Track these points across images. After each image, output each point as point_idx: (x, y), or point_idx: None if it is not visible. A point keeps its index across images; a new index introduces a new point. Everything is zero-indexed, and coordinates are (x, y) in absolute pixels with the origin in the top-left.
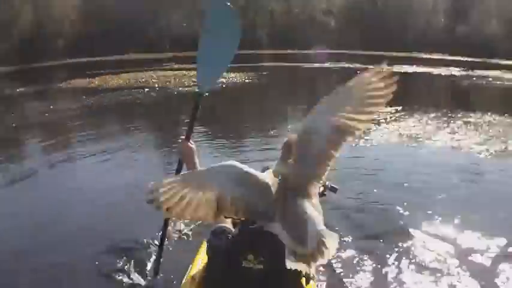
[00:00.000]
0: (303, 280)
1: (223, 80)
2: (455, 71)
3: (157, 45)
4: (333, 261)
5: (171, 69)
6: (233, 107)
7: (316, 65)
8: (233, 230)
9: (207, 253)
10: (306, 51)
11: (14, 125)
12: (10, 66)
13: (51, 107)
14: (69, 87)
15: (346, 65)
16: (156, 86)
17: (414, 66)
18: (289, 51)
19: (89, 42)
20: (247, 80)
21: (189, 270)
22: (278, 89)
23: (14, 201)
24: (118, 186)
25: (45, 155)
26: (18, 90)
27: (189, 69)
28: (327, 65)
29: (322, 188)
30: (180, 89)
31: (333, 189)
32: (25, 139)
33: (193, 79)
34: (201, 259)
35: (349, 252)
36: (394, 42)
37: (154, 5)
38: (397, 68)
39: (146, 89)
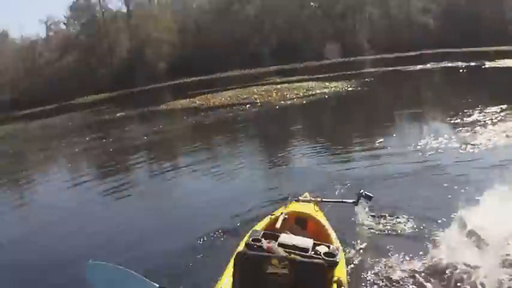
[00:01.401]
0: (334, 286)
1: (326, 91)
2: None
3: (259, 59)
4: (364, 272)
5: (274, 83)
6: (334, 115)
7: (418, 66)
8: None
9: (234, 261)
10: (409, 53)
11: (111, 149)
12: (110, 92)
13: (154, 128)
14: (168, 108)
15: (448, 64)
16: (258, 101)
17: None
18: (390, 55)
19: (188, 63)
20: (350, 89)
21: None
22: (379, 96)
23: (120, 209)
24: (212, 198)
25: (150, 170)
26: (118, 115)
27: (291, 82)
28: (428, 66)
29: (356, 197)
30: (281, 102)
31: (368, 197)
32: (128, 160)
33: (295, 91)
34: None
35: (382, 261)
36: (492, 34)
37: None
38: (499, 63)
39: (248, 105)
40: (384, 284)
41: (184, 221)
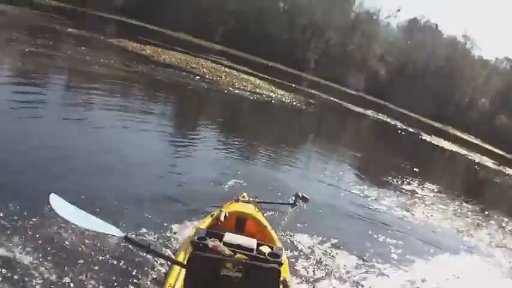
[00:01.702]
0: (281, 286)
1: (272, 95)
2: (489, 163)
3: (209, 33)
4: (308, 271)
5: (222, 64)
6: (269, 120)
7: (359, 109)
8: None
9: (187, 262)
10: (348, 90)
11: (62, 65)
12: (64, 3)
13: (104, 60)
14: (120, 45)
15: (387, 119)
16: (207, 76)
17: (449, 142)
18: (331, 84)
19: (142, 8)
20: (294, 103)
21: (168, 277)
22: (323, 124)
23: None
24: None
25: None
26: (69, 30)
27: (239, 71)
28: (368, 112)
29: (293, 198)
30: (230, 88)
31: (304, 199)
32: (71, 82)
33: (244, 83)
34: (179, 267)
35: (324, 264)
36: (436, 109)
37: None
38: (435, 140)
39: (197, 77)
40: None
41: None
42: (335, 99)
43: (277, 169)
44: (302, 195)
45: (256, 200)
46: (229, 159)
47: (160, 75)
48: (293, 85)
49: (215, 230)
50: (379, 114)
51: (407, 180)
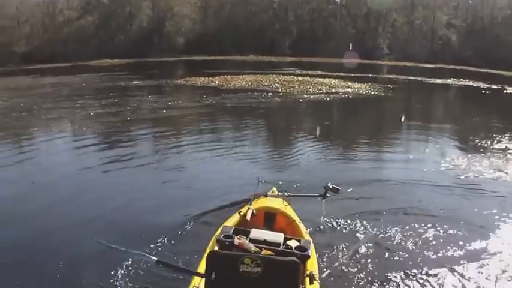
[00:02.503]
0: (307, 280)
1: (349, 91)
2: None
3: (277, 48)
4: (335, 264)
5: (294, 74)
6: (349, 115)
7: (439, 81)
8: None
9: (206, 260)
10: (426, 65)
11: (128, 118)
12: (125, 59)
13: (173, 102)
14: (187, 84)
15: (469, 83)
16: (280, 90)
17: None
18: (408, 63)
19: (206, 41)
20: (373, 92)
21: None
22: (405, 105)
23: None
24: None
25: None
26: (134, 83)
27: (312, 76)
28: (449, 81)
29: (324, 190)
30: (304, 96)
31: (335, 190)
32: (145, 132)
33: (318, 86)
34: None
35: (352, 256)
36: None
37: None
38: None
39: (269, 93)
40: (353, 276)
41: (179, 197)
42: (414, 78)
43: (363, 159)
44: (332, 186)
45: (286, 193)
46: (320, 161)
47: (231, 101)
48: (370, 75)
49: (242, 227)
50: (461, 80)
51: (498, 138)
